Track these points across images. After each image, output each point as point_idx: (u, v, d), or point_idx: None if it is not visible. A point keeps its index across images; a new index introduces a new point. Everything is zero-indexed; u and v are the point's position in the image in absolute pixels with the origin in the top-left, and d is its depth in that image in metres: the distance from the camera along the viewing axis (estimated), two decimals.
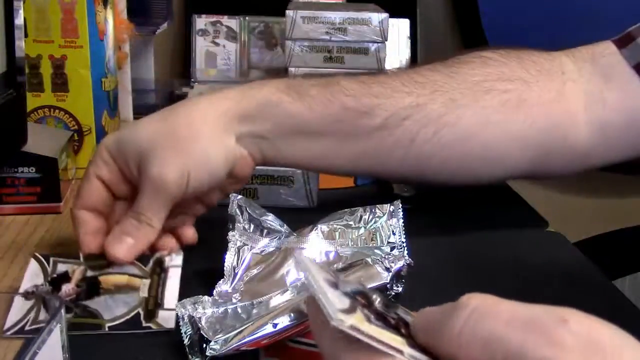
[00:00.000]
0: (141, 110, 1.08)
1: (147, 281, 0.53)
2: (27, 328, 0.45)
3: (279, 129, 0.58)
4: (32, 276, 0.54)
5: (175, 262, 0.55)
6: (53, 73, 0.79)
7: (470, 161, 0.61)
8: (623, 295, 0.58)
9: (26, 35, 0.74)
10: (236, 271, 0.52)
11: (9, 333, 0.46)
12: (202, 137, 0.56)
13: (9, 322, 0.46)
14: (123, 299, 0.51)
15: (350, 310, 0.28)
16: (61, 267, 0.54)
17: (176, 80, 1.19)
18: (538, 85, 0.61)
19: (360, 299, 0.30)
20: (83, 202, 0.56)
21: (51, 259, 0.54)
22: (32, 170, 0.69)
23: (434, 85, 0.60)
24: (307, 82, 0.59)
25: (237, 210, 0.56)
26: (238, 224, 0.55)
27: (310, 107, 0.58)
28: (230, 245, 0.54)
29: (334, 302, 0.28)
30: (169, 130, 0.55)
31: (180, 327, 0.46)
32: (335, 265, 0.54)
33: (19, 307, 0.48)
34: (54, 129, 0.79)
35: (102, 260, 0.54)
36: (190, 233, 0.58)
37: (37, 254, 0.55)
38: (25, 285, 0.53)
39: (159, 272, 0.54)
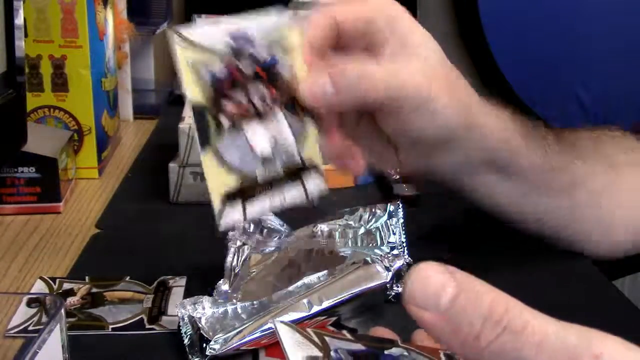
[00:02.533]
0: (141, 110, 1.09)
1: (150, 296, 0.53)
2: (30, 328, 0.46)
3: (490, 156, 0.54)
4: (37, 291, 0.54)
5: (178, 283, 0.55)
6: (53, 73, 0.79)
7: (597, 233, 0.62)
8: (623, 295, 0.58)
9: (26, 35, 0.74)
10: (236, 271, 0.53)
11: (12, 332, 0.46)
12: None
13: (13, 324, 0.46)
14: (127, 309, 0.52)
15: None
16: (67, 286, 0.54)
17: (176, 80, 1.18)
18: None
19: None
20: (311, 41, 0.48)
21: (57, 280, 0.55)
22: (32, 170, 0.69)
23: (591, 156, 0.60)
24: (529, 124, 0.57)
25: None
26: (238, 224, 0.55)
27: (531, 149, 0.55)
28: (230, 244, 0.54)
29: None
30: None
31: (180, 327, 0.46)
32: (336, 264, 0.54)
33: (23, 312, 0.48)
34: (54, 129, 0.79)
35: (107, 281, 0.55)
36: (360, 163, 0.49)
37: (43, 276, 0.56)
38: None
39: (163, 290, 0.54)
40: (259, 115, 0.44)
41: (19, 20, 0.64)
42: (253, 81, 0.44)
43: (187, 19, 1.22)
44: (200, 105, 0.42)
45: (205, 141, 0.42)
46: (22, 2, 0.65)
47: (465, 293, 0.27)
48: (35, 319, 0.45)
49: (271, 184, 0.44)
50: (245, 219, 0.44)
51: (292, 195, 0.45)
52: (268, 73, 0.44)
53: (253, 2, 1.32)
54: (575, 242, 0.62)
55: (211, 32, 0.43)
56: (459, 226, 0.70)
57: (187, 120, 0.71)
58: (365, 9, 0.49)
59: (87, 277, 0.56)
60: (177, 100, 1.06)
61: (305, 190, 0.46)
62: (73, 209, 0.72)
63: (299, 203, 0.47)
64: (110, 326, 0.50)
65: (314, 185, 0.46)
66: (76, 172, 0.78)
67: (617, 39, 1.72)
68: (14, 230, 0.67)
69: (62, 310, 0.36)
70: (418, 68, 0.48)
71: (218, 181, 0.43)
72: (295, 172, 0.45)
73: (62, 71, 0.79)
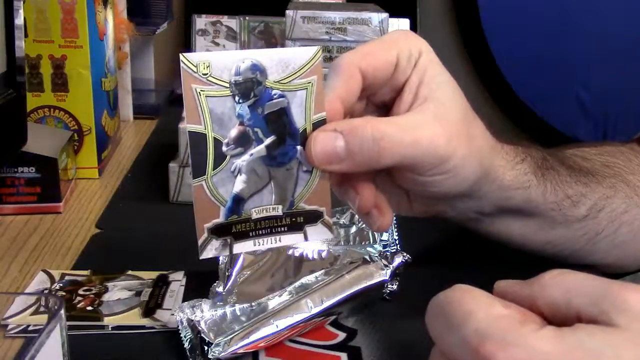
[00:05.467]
0: (141, 110, 1.09)
1: (149, 289, 0.53)
2: (30, 328, 0.46)
3: (504, 200, 0.52)
4: (38, 284, 0.54)
5: (177, 278, 0.55)
6: (53, 73, 0.79)
7: (627, 259, 0.59)
8: None
9: (26, 35, 0.74)
10: (230, 273, 0.52)
11: (12, 332, 0.46)
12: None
13: (11, 312, 0.47)
14: (125, 302, 0.52)
15: None
16: (69, 278, 0.54)
17: (176, 80, 1.19)
18: None
19: None
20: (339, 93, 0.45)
21: (60, 272, 0.56)
22: (32, 170, 0.69)
23: (610, 180, 0.57)
24: (540, 157, 0.54)
25: None
26: None
27: (544, 194, 0.53)
28: None
29: None
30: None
31: (180, 331, 0.46)
32: (329, 264, 0.54)
33: (19, 304, 0.48)
34: (54, 129, 0.79)
35: (110, 274, 0.55)
36: (367, 192, 0.46)
37: (46, 269, 0.56)
38: (31, 290, 0.53)
39: (161, 285, 0.54)
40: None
41: (19, 20, 0.64)
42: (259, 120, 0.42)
43: (187, 19, 1.22)
44: (199, 133, 0.40)
45: (200, 172, 0.40)
46: (22, 2, 0.65)
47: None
48: (34, 308, 0.45)
49: (268, 225, 0.43)
50: (230, 254, 0.42)
51: (289, 239, 0.43)
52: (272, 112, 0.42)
53: (253, 2, 1.32)
54: (588, 263, 0.59)
55: (222, 61, 0.41)
56: (458, 225, 0.70)
57: None
58: (392, 54, 0.46)
59: (89, 270, 0.56)
60: (177, 100, 1.06)
61: (305, 237, 0.44)
62: (73, 209, 0.72)
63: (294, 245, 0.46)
64: (106, 317, 0.50)
65: (317, 234, 0.44)
66: (76, 172, 0.78)
67: (617, 39, 1.72)
68: (14, 230, 0.67)
69: (62, 310, 0.36)
70: (436, 120, 0.45)
71: (207, 213, 0.41)
72: (298, 218, 0.43)
73: (62, 71, 0.79)
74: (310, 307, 0.47)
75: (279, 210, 0.43)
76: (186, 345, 0.45)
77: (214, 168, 0.41)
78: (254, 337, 0.45)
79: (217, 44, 1.15)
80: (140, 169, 0.85)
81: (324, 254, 0.54)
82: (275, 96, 0.42)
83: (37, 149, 0.69)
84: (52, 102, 0.79)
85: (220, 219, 0.41)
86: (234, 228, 0.42)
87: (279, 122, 0.42)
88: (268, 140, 0.42)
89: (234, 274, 0.52)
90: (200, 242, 0.41)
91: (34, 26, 0.77)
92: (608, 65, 1.74)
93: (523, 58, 1.76)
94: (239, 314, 0.47)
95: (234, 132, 0.41)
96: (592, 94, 1.78)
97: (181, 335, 0.46)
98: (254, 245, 0.42)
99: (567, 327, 0.31)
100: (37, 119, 0.79)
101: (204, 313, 0.46)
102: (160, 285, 0.54)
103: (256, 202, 0.42)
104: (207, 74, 0.40)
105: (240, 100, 0.41)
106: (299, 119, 0.42)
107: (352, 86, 0.44)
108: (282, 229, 0.43)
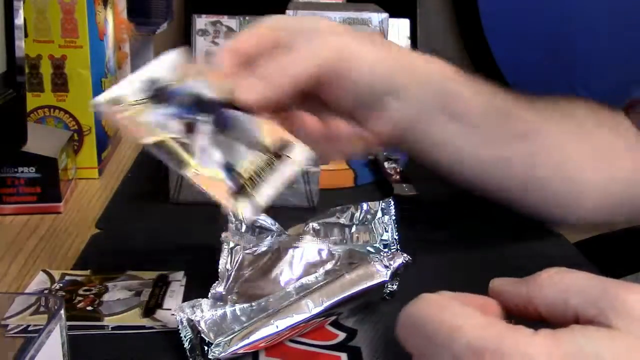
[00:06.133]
0: None
1: (149, 289, 0.53)
2: (30, 328, 0.46)
3: (437, 100, 0.55)
4: (38, 283, 0.54)
5: (177, 278, 0.55)
6: (53, 73, 0.79)
7: (566, 196, 0.62)
8: None
9: (26, 35, 0.74)
10: (229, 273, 0.52)
11: (12, 332, 0.46)
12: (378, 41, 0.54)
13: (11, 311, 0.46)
14: (125, 302, 0.52)
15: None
16: (69, 278, 0.54)
17: None
18: (626, 140, 0.65)
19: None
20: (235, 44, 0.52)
21: (60, 272, 0.55)
22: (32, 170, 0.69)
23: (551, 114, 0.62)
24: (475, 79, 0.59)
25: None
26: (230, 224, 0.55)
27: (478, 93, 0.57)
28: (223, 246, 0.54)
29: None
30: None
31: (180, 331, 0.46)
32: (329, 263, 0.54)
33: (19, 304, 0.48)
34: (54, 129, 0.79)
35: (110, 274, 0.55)
36: (309, 119, 0.52)
37: (46, 269, 0.56)
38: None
39: (161, 285, 0.54)
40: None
41: (19, 20, 0.64)
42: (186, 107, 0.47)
43: (187, 19, 1.22)
44: (156, 141, 0.44)
45: (181, 164, 0.44)
46: (22, 2, 0.65)
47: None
48: (34, 308, 0.45)
49: (263, 169, 0.46)
50: (265, 203, 0.45)
51: (287, 169, 0.46)
52: (192, 99, 0.48)
53: (253, 2, 1.32)
54: (543, 206, 0.62)
55: (127, 88, 0.47)
56: (459, 226, 0.70)
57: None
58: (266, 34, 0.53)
59: (89, 270, 0.56)
60: None
61: (294, 160, 0.47)
62: (73, 209, 0.72)
63: (295, 176, 0.49)
64: (106, 317, 0.50)
65: (301, 153, 0.47)
66: (76, 172, 0.78)
67: (618, 39, 1.72)
68: (14, 230, 0.67)
69: (62, 311, 0.36)
70: (327, 40, 0.51)
71: (218, 190, 0.44)
72: (277, 151, 0.47)
73: (62, 71, 0.79)
74: (311, 308, 0.47)
75: (261, 154, 0.47)
76: (186, 345, 0.45)
77: (191, 156, 0.45)
78: (254, 337, 0.45)
79: (217, 44, 1.15)
80: (140, 169, 0.85)
81: (324, 254, 0.54)
82: (181, 89, 0.48)
83: (37, 149, 0.69)
84: (52, 102, 0.79)
85: (230, 185, 0.44)
86: (246, 186, 0.45)
87: (200, 103, 0.48)
88: (204, 117, 0.47)
89: (233, 273, 0.53)
90: (236, 211, 0.44)
91: (34, 26, 0.77)
92: (608, 65, 1.74)
93: (523, 58, 1.76)
94: (239, 314, 0.47)
95: (178, 126, 0.46)
96: (592, 94, 1.78)
97: (181, 335, 0.46)
98: (270, 188, 0.45)
99: (563, 329, 0.30)
100: (37, 119, 0.79)
101: (204, 313, 0.46)
102: (160, 285, 0.54)
103: (241, 158, 0.46)
104: (122, 103, 0.46)
105: (162, 105, 0.46)
106: (212, 94, 0.48)
107: (244, 41, 0.52)
108: (275, 164, 0.47)
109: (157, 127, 0.45)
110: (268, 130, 0.48)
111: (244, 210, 0.44)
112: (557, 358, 0.29)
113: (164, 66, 0.49)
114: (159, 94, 0.47)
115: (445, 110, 0.56)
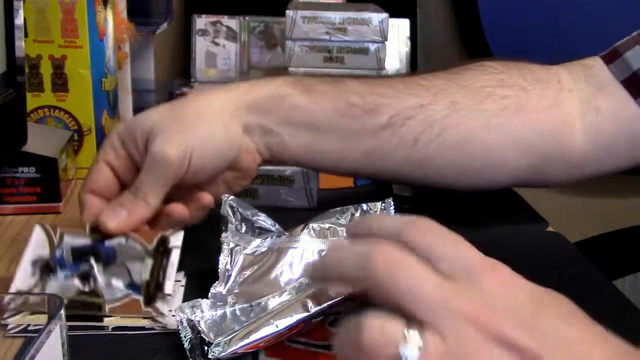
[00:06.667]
0: (141, 110, 1.08)
1: (150, 261, 0.53)
2: (30, 328, 0.46)
3: (285, 121, 0.58)
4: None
5: (176, 243, 0.55)
6: (53, 73, 0.79)
7: (472, 164, 0.62)
8: (623, 295, 0.58)
9: (26, 35, 0.74)
10: (229, 273, 0.52)
11: (12, 332, 0.46)
12: (208, 118, 0.57)
13: (13, 288, 0.49)
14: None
15: None
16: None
17: (176, 80, 1.19)
18: (536, 93, 0.62)
19: None
20: (90, 186, 0.57)
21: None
22: (32, 170, 0.69)
23: (436, 89, 0.61)
24: (314, 79, 0.61)
25: (229, 210, 0.56)
26: (230, 225, 0.55)
27: (317, 101, 0.59)
28: (223, 246, 0.54)
29: None
30: (177, 112, 0.57)
31: (180, 331, 0.46)
32: None
33: (22, 279, 0.48)
34: (54, 129, 0.79)
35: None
36: (178, 209, 0.57)
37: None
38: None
39: (163, 251, 0.54)
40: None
41: (19, 20, 0.64)
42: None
43: (187, 19, 1.22)
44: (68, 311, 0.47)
45: (99, 310, 0.51)
46: (22, 2, 0.65)
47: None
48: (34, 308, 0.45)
49: (158, 273, 0.53)
50: (172, 292, 0.52)
51: (174, 258, 0.54)
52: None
53: (253, 2, 1.32)
54: (432, 177, 0.62)
55: (20, 278, 0.52)
56: (459, 226, 0.70)
57: None
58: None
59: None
60: None
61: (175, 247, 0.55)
62: (73, 209, 0.72)
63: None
64: (107, 306, 0.50)
65: (176, 240, 0.55)
66: (76, 172, 0.78)
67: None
68: (14, 230, 0.67)
69: (62, 310, 0.36)
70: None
71: (133, 306, 0.51)
72: (161, 250, 0.54)
73: (62, 71, 0.79)
74: (310, 307, 0.47)
75: (149, 260, 0.53)
76: (186, 345, 0.45)
77: (101, 298, 0.51)
78: (254, 337, 0.45)
79: (217, 44, 1.15)
80: None
81: (324, 254, 0.54)
82: (60, 252, 0.53)
83: (37, 149, 0.69)
84: (52, 102, 0.79)
85: (141, 298, 0.51)
86: (153, 292, 0.52)
87: (81, 252, 0.53)
88: (91, 261, 0.53)
89: (234, 274, 0.53)
90: (155, 317, 0.51)
91: (34, 26, 0.77)
92: None
93: (523, 58, 1.76)
94: (239, 314, 0.47)
95: (77, 282, 0.52)
96: None
97: (181, 336, 0.46)
98: (170, 279, 0.53)
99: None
100: (37, 119, 0.80)
101: (204, 313, 0.46)
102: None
103: (137, 273, 0.52)
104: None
105: (53, 275, 0.52)
106: (85, 239, 0.54)
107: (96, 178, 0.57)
108: (165, 260, 0.54)
109: (62, 293, 0.50)
110: (144, 238, 0.54)
111: (162, 308, 0.50)
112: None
113: (39, 245, 0.53)
114: (46, 268, 0.52)
115: (291, 123, 0.59)
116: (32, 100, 0.78)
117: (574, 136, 0.62)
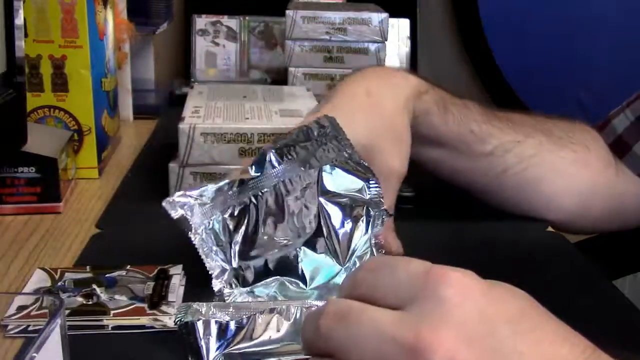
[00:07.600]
0: (141, 110, 1.09)
1: (151, 283, 0.53)
2: (30, 328, 0.46)
3: (422, 135, 0.66)
4: (38, 282, 0.54)
5: (176, 271, 0.56)
6: (53, 73, 0.79)
7: (539, 199, 0.70)
8: (623, 295, 0.58)
9: (26, 35, 0.74)
10: (222, 244, 0.52)
11: (12, 332, 0.46)
12: (405, 127, 0.63)
13: (11, 310, 0.47)
14: (129, 295, 0.52)
15: None
16: (69, 274, 0.54)
17: (176, 80, 1.19)
18: (594, 154, 0.71)
19: None
20: None
21: (59, 270, 0.55)
22: (32, 170, 0.69)
23: (528, 130, 0.69)
24: (447, 96, 0.67)
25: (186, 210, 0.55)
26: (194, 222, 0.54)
27: (447, 123, 0.66)
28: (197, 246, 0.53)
29: None
30: (385, 124, 0.62)
31: (180, 332, 0.46)
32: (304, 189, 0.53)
33: (19, 304, 0.48)
34: (54, 129, 0.79)
35: (110, 270, 0.55)
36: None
37: (43, 267, 0.56)
38: (29, 288, 0.53)
39: (164, 277, 0.54)
40: None
41: (19, 20, 0.64)
42: None
43: (187, 19, 1.22)
44: None
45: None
46: (22, 2, 0.65)
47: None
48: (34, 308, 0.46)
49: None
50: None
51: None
52: None
53: (253, 2, 1.32)
54: (500, 201, 0.70)
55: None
56: (459, 226, 0.70)
57: (187, 120, 0.71)
58: None
59: (88, 267, 0.56)
60: (177, 100, 1.06)
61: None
62: (73, 209, 0.72)
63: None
64: (112, 311, 0.50)
65: None
66: (76, 172, 0.78)
67: (618, 39, 1.72)
68: (14, 230, 0.67)
69: (62, 310, 0.36)
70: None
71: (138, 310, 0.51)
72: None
73: (62, 71, 0.79)
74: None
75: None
76: (186, 345, 0.45)
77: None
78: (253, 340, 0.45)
79: (217, 44, 1.15)
80: (140, 169, 0.85)
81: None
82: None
83: (37, 149, 0.69)
84: (52, 102, 0.79)
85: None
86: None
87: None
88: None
89: (224, 245, 0.52)
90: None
91: (34, 26, 0.77)
92: (608, 66, 1.74)
93: (523, 58, 1.76)
94: (239, 318, 0.47)
95: (79, 298, 0.52)
96: (593, 95, 1.77)
97: (181, 336, 0.46)
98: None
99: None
100: (37, 119, 0.79)
101: (204, 314, 0.46)
102: (162, 278, 0.54)
103: None
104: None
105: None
106: None
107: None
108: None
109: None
110: (144, 271, 0.56)
111: (167, 309, 0.50)
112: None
113: (40, 281, 0.54)
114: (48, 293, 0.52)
115: (419, 137, 0.65)
116: (32, 100, 0.78)
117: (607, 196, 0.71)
